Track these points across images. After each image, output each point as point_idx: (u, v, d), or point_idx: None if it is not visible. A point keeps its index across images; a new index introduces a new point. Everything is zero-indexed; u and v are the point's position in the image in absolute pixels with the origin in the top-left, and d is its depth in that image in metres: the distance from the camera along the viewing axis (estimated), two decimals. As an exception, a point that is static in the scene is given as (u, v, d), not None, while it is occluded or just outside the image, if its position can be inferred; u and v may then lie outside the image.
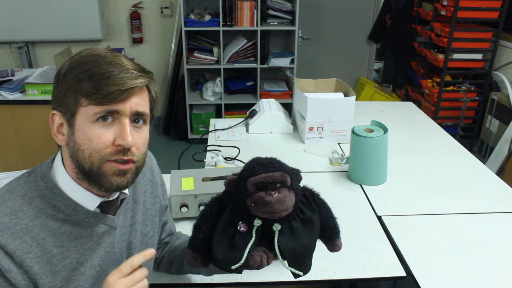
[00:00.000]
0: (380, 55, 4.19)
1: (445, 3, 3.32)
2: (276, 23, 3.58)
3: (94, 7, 3.64)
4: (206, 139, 1.99)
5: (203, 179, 1.39)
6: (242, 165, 1.70)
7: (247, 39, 3.58)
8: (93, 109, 0.73)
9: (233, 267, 0.81)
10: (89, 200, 0.79)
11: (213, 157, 1.74)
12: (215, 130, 2.06)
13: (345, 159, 1.74)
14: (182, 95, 3.79)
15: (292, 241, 0.83)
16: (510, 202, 1.50)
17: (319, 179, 1.65)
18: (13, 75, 2.77)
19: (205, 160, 1.74)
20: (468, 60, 3.39)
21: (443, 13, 3.36)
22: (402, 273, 1.16)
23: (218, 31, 3.50)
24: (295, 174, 0.85)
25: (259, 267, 0.82)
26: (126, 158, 0.75)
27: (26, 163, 2.58)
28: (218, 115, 3.83)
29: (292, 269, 0.83)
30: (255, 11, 3.44)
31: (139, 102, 0.76)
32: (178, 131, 3.99)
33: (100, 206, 0.82)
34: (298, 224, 0.84)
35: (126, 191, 0.88)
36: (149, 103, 0.81)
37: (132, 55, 3.86)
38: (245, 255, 0.81)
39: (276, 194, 0.80)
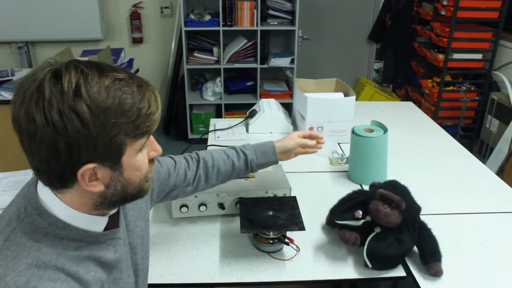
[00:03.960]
0: (380, 55, 4.19)
1: (445, 3, 3.32)
2: (276, 23, 3.58)
3: (94, 7, 3.64)
4: (206, 139, 1.99)
5: (203, 179, 1.39)
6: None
7: (247, 39, 3.58)
8: (139, 141, 0.70)
9: (335, 220, 1.24)
10: (95, 224, 0.76)
11: (213, 157, 1.73)
12: (215, 130, 2.06)
13: (345, 159, 1.74)
14: (182, 95, 3.79)
15: (377, 245, 1.14)
16: (510, 202, 1.50)
17: (319, 179, 1.65)
18: (13, 75, 2.78)
19: (205, 160, 1.73)
20: (468, 60, 3.39)
21: (443, 13, 3.36)
22: (402, 273, 1.16)
23: (218, 31, 3.50)
24: (415, 209, 1.15)
25: (346, 242, 1.18)
26: (154, 165, 0.79)
27: (26, 163, 2.57)
28: (218, 115, 3.83)
29: (366, 259, 1.14)
30: (255, 11, 3.44)
31: None
32: (178, 131, 3.99)
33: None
34: (391, 238, 1.14)
35: None
36: None
37: (132, 55, 3.86)
38: (345, 222, 1.20)
39: (388, 209, 1.11)
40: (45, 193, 0.72)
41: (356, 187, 1.59)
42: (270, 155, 1.22)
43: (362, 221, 1.17)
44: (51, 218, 0.70)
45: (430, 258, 1.14)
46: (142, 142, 0.71)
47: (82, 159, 0.65)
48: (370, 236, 1.15)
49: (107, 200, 0.73)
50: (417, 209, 1.15)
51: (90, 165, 0.66)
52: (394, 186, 1.16)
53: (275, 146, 1.22)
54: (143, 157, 0.73)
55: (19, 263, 0.66)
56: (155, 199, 1.06)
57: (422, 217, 1.40)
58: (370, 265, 1.14)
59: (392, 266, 1.16)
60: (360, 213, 1.17)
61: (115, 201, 0.74)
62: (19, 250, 0.67)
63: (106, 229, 0.79)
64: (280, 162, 1.51)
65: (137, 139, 0.70)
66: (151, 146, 0.76)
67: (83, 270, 0.72)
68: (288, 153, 1.25)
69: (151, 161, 0.77)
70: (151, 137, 0.76)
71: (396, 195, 1.12)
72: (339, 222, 1.21)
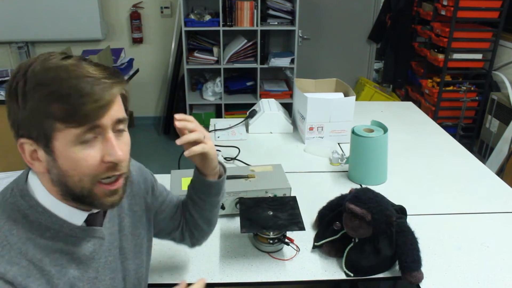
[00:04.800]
0: (380, 55, 4.19)
1: (445, 3, 3.32)
2: (276, 23, 3.58)
3: (94, 7, 3.64)
4: (206, 139, 1.99)
5: (203, 179, 1.39)
6: (242, 165, 1.71)
7: (247, 39, 3.58)
8: (72, 132, 0.67)
9: (315, 243, 1.24)
10: (75, 216, 0.76)
11: (213, 157, 1.73)
12: (215, 130, 2.06)
13: (345, 159, 1.74)
14: (182, 95, 3.79)
15: (355, 256, 1.15)
16: (510, 202, 1.50)
17: (319, 179, 1.65)
18: (13, 75, 2.77)
19: (205, 160, 1.73)
20: (468, 60, 3.39)
21: (443, 13, 3.36)
22: (402, 273, 1.16)
23: (218, 31, 3.50)
24: (386, 215, 1.11)
25: (327, 254, 1.21)
26: (118, 173, 0.72)
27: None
28: (218, 115, 3.83)
29: (345, 269, 1.15)
30: (255, 11, 3.44)
31: (118, 109, 0.72)
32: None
33: (86, 219, 0.79)
34: (369, 248, 1.14)
35: None
36: (123, 104, 0.76)
37: (132, 55, 3.86)
38: (323, 241, 1.21)
39: (356, 222, 1.12)
40: (33, 177, 0.74)
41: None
42: (194, 171, 1.01)
43: (340, 233, 1.19)
44: (32, 201, 0.72)
45: (403, 268, 1.11)
46: (75, 133, 0.67)
47: (20, 132, 0.70)
48: (348, 248, 1.16)
49: (64, 190, 0.71)
50: (389, 215, 1.11)
51: (24, 139, 0.69)
52: (358, 198, 1.13)
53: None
54: (84, 154, 0.68)
55: None
56: (155, 230, 1.02)
57: (422, 217, 1.40)
58: (351, 274, 1.14)
59: (374, 273, 1.15)
60: (338, 225, 1.18)
61: (70, 194, 0.72)
62: None
63: (88, 225, 0.79)
64: (280, 162, 1.52)
65: (68, 128, 0.66)
66: (107, 149, 0.70)
67: (50, 261, 0.72)
68: (200, 162, 0.96)
69: (107, 165, 0.71)
70: (111, 139, 0.70)
71: (360, 207, 1.11)
72: (318, 244, 1.22)
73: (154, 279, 1.13)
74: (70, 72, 0.67)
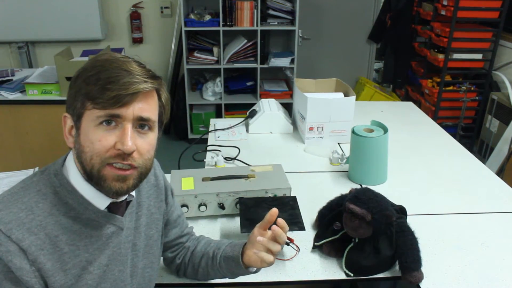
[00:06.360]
0: (380, 55, 4.19)
1: (445, 3, 3.32)
2: (276, 23, 3.58)
3: (94, 7, 3.64)
4: (206, 139, 1.99)
5: (203, 179, 1.39)
6: (242, 165, 1.71)
7: (247, 39, 3.58)
8: (96, 112, 0.73)
9: (315, 243, 1.23)
10: (99, 200, 0.80)
11: (213, 157, 1.74)
12: (215, 130, 2.06)
13: (345, 159, 1.74)
14: (182, 95, 3.79)
15: (355, 256, 1.15)
16: (510, 202, 1.50)
17: (319, 179, 1.65)
18: (13, 75, 2.77)
19: (205, 160, 1.74)
20: (468, 60, 3.39)
21: (443, 13, 3.36)
22: (402, 273, 1.16)
23: (218, 31, 3.50)
24: (385, 215, 1.11)
25: (327, 255, 1.20)
26: (125, 162, 0.75)
27: (26, 163, 2.58)
28: (218, 115, 3.83)
29: (345, 269, 1.15)
30: (255, 11, 3.44)
31: (144, 108, 0.76)
32: (178, 131, 3.99)
33: (108, 207, 0.82)
34: (369, 248, 1.14)
35: (133, 193, 0.88)
36: (158, 109, 0.82)
37: (132, 55, 3.85)
38: (323, 241, 1.21)
39: (356, 222, 1.11)
40: (69, 159, 0.81)
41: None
42: (236, 248, 1.01)
43: (340, 233, 1.19)
44: (63, 180, 0.79)
45: (403, 268, 1.11)
46: (97, 114, 0.73)
47: (66, 108, 0.78)
48: (348, 248, 1.16)
49: (81, 167, 0.77)
50: (389, 215, 1.11)
51: (67, 114, 0.78)
52: (358, 198, 1.13)
53: (245, 244, 1.00)
54: (100, 135, 0.74)
55: (14, 206, 0.75)
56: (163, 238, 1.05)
57: (422, 217, 1.40)
58: (351, 274, 1.14)
59: (374, 273, 1.15)
60: (338, 225, 1.18)
61: (85, 172, 0.76)
62: (23, 195, 0.76)
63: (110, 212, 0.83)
64: (280, 162, 1.52)
65: (95, 108, 0.73)
66: (120, 136, 0.74)
67: (66, 239, 0.77)
68: (253, 254, 0.95)
69: (118, 152, 0.74)
70: (127, 130, 0.74)
71: (360, 207, 1.11)
72: (318, 244, 1.22)
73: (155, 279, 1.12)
74: (115, 63, 0.75)
